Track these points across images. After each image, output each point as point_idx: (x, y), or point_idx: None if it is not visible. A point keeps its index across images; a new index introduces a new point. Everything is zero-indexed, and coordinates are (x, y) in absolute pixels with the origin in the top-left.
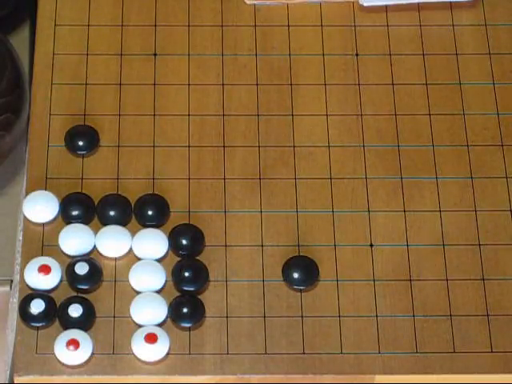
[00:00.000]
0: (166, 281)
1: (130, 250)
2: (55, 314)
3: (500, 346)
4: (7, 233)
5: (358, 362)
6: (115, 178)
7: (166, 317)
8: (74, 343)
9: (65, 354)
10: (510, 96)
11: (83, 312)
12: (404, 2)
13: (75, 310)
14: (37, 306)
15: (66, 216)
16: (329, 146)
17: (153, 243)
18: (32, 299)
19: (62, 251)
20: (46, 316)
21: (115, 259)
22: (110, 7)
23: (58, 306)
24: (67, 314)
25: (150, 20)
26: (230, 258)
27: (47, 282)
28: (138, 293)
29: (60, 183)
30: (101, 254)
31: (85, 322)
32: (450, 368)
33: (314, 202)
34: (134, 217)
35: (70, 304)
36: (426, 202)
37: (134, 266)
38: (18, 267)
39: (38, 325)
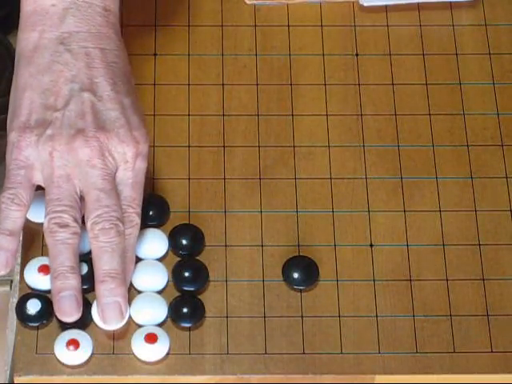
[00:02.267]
0: (167, 281)
1: None
2: (52, 314)
3: (500, 346)
4: None
5: (358, 362)
6: None
7: (166, 317)
8: (74, 343)
9: (65, 354)
10: (510, 96)
11: (82, 311)
12: (404, 2)
13: None
14: (33, 306)
15: None
16: (329, 146)
17: (153, 243)
18: (28, 299)
19: None
20: (43, 316)
21: None
22: None
23: None
24: None
25: (150, 20)
26: (230, 257)
27: (47, 281)
28: (139, 292)
29: None
30: None
31: (84, 321)
32: (450, 368)
33: (314, 202)
34: None
35: None
36: (426, 202)
37: (136, 266)
38: (17, 267)
39: (34, 324)
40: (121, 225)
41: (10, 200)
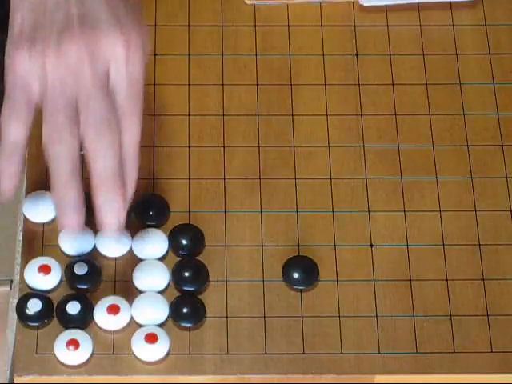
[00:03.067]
0: (169, 281)
1: (130, 250)
2: (52, 314)
3: (500, 346)
4: (7, 233)
5: (358, 362)
6: None
7: (168, 317)
8: (73, 343)
9: (65, 354)
10: (510, 96)
11: (81, 309)
12: (404, 2)
13: (73, 308)
14: (33, 306)
15: None
16: (329, 146)
17: (153, 243)
18: (29, 299)
19: (62, 251)
20: (43, 316)
21: (115, 259)
22: None
23: (56, 304)
24: (65, 311)
25: (150, 20)
26: (230, 258)
27: (47, 282)
28: (140, 292)
29: None
30: (101, 254)
31: (83, 320)
32: (450, 368)
33: (314, 202)
34: (134, 217)
35: (68, 302)
36: (426, 202)
37: (138, 266)
38: (18, 267)
39: (34, 324)
40: (115, 126)
41: (9, 117)
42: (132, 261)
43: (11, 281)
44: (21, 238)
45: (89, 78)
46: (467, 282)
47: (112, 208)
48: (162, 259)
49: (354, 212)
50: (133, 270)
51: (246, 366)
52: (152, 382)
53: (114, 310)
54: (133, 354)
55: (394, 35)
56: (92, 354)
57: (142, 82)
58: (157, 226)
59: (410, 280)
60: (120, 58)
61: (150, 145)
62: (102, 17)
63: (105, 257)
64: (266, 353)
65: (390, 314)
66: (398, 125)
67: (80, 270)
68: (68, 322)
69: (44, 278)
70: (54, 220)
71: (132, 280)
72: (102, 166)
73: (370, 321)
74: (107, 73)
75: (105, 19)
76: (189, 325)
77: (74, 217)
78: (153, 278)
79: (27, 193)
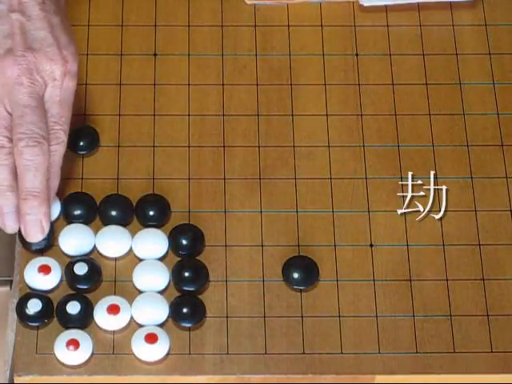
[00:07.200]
0: (169, 281)
1: (130, 250)
2: (52, 314)
3: (500, 346)
4: (7, 233)
5: (358, 362)
6: (115, 178)
7: (168, 317)
8: (73, 343)
9: (65, 354)
10: (510, 96)
11: (81, 309)
12: (404, 2)
13: (73, 308)
14: (33, 306)
15: (67, 216)
16: (329, 146)
17: (153, 243)
18: (29, 299)
19: (62, 251)
20: (43, 316)
21: (115, 259)
22: (109, 7)
23: (56, 304)
24: (65, 311)
25: (150, 20)
26: (230, 257)
27: (47, 282)
28: (140, 292)
29: (60, 183)
30: (101, 254)
31: (83, 320)
32: (450, 368)
33: (314, 202)
34: (134, 217)
35: (68, 301)
36: (425, 202)
37: (138, 266)
38: (18, 267)
39: (34, 324)
40: (45, 143)
41: None
42: (132, 261)
43: (11, 281)
44: (18, 238)
45: (25, 93)
46: (467, 282)
47: (35, 222)
48: (162, 259)
49: (353, 212)
50: (133, 270)
51: (246, 366)
52: (152, 382)
53: (114, 310)
54: (133, 354)
55: (393, 35)
56: (92, 354)
57: (71, 106)
58: (157, 226)
59: (410, 280)
60: (57, 81)
61: (150, 145)
62: (41, 34)
63: (105, 257)
64: (266, 353)
65: (390, 313)
66: (398, 125)
67: (80, 269)
68: (68, 322)
69: (44, 278)
70: (54, 220)
71: (132, 280)
72: (31, 186)
73: (370, 321)
74: (43, 92)
75: (44, 37)
76: (189, 325)
77: (12, 223)
78: (153, 277)
79: None
